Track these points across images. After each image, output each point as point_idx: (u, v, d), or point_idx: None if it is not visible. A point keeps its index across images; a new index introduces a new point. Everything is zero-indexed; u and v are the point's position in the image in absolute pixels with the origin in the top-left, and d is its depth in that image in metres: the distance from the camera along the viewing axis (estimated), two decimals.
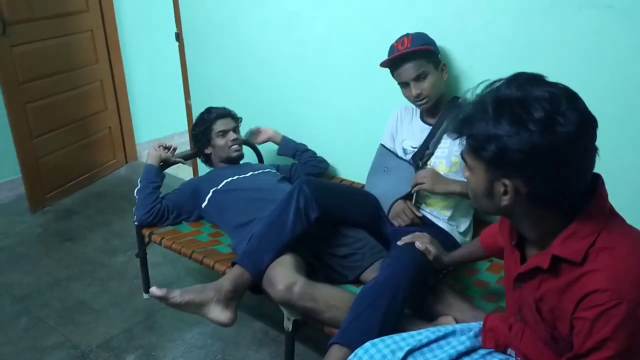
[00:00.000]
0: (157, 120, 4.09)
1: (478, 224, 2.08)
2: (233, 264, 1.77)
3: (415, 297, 1.61)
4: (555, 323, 1.07)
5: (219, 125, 2.42)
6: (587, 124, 0.97)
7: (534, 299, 1.11)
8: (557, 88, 0.97)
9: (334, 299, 1.64)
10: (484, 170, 1.04)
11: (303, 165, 2.49)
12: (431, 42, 1.92)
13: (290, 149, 2.52)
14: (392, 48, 1.93)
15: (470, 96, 1.05)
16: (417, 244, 1.66)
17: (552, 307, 1.07)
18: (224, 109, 2.48)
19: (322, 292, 1.64)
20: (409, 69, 1.87)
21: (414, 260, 1.60)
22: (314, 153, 2.52)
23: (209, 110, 2.49)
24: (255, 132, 2.59)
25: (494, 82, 1.03)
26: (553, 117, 0.93)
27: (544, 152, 0.94)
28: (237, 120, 2.51)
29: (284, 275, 1.65)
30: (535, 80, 0.99)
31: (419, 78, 1.88)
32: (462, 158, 1.09)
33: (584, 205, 1.02)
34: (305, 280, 1.65)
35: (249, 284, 1.73)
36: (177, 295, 1.61)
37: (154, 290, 1.59)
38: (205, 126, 2.43)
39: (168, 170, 2.47)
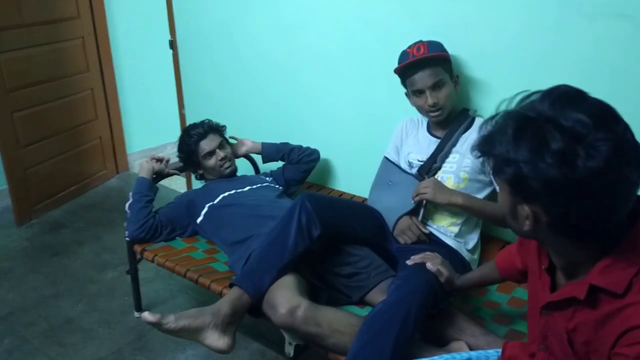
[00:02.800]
0: (149, 129, 4.00)
1: (486, 241, 2.01)
2: (231, 285, 1.67)
3: (425, 320, 1.52)
4: (590, 356, 0.99)
5: (203, 147, 2.29)
6: (622, 158, 0.85)
7: (566, 330, 1.02)
8: (593, 111, 0.87)
9: (339, 324, 1.54)
10: (507, 192, 0.97)
11: (296, 165, 2.38)
12: (446, 51, 1.85)
13: (274, 153, 2.40)
14: (405, 54, 1.84)
15: (505, 107, 0.97)
16: (429, 265, 1.57)
17: (586, 339, 0.98)
18: (204, 125, 2.34)
19: (326, 316, 1.55)
20: (426, 77, 1.79)
21: (425, 283, 1.51)
22: (300, 147, 2.40)
23: (188, 132, 2.34)
24: (235, 144, 2.47)
25: (532, 93, 0.95)
26: (574, 149, 0.84)
27: (561, 187, 0.86)
28: (221, 132, 2.37)
29: (286, 298, 1.55)
30: (573, 98, 0.90)
31: (435, 87, 1.80)
32: (491, 174, 1.02)
33: (625, 232, 0.93)
34: (309, 304, 1.55)
35: (248, 307, 1.63)
36: (171, 321, 1.51)
37: (146, 315, 1.49)
38: (189, 150, 2.31)
39: (160, 182, 2.38)
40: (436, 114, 1.85)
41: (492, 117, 0.98)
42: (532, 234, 0.99)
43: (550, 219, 0.92)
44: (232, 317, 1.59)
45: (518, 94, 0.97)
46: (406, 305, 1.46)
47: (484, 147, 0.97)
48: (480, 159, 0.99)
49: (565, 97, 0.90)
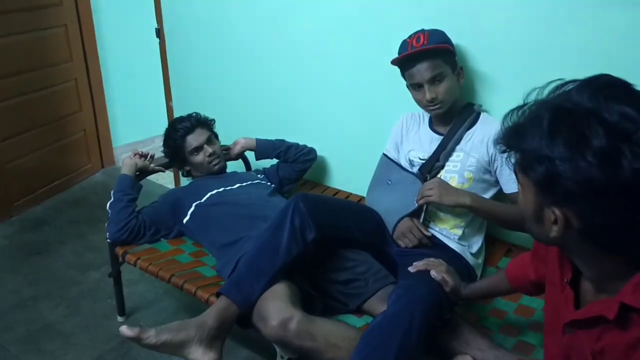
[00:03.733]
0: (136, 122, 3.85)
1: (491, 244, 1.90)
2: (218, 295, 1.55)
3: (429, 334, 1.41)
4: None
5: (190, 141, 2.16)
6: None
7: (592, 351, 0.91)
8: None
9: (335, 338, 1.43)
10: (533, 192, 0.86)
11: (291, 165, 2.27)
12: (449, 41, 1.73)
13: (270, 150, 2.28)
14: (405, 44, 1.73)
15: (534, 97, 0.86)
16: (433, 273, 1.45)
17: None
18: (191, 118, 2.21)
19: (322, 329, 1.43)
20: (424, 70, 1.67)
21: (429, 293, 1.39)
22: (297, 145, 2.28)
23: (173, 126, 2.21)
24: (227, 150, 2.33)
25: (567, 82, 0.84)
26: (618, 147, 0.74)
27: (602, 189, 0.76)
28: (209, 126, 2.25)
29: (278, 309, 1.43)
30: (617, 89, 0.79)
31: (434, 80, 1.68)
32: (514, 171, 0.91)
33: None
34: (303, 315, 1.43)
35: (236, 318, 1.51)
36: (151, 336, 1.39)
37: (124, 330, 1.37)
38: (175, 146, 2.18)
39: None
40: (434, 107, 1.73)
41: (519, 107, 0.88)
42: (559, 242, 0.88)
43: (584, 225, 0.81)
44: (219, 330, 1.47)
45: (550, 82, 0.87)
46: (408, 317, 1.34)
47: (511, 139, 0.86)
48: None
49: (609, 88, 0.79)
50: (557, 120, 0.79)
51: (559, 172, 0.78)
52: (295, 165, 2.26)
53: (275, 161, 2.32)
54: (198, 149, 2.17)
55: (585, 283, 0.97)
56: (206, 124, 2.24)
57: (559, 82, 0.85)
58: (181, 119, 2.24)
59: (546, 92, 0.85)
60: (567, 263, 0.99)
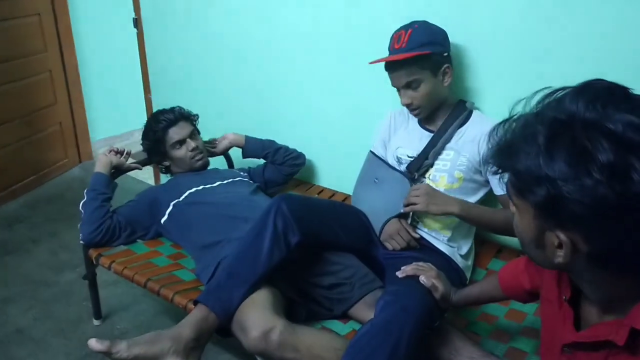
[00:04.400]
0: (114, 115, 3.76)
1: (479, 244, 1.85)
2: (195, 303, 1.47)
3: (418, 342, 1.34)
4: None
5: (172, 135, 2.08)
6: None
7: None
8: None
9: (320, 348, 1.35)
10: (532, 215, 0.78)
11: (279, 167, 2.20)
12: (434, 39, 1.63)
13: (258, 149, 2.21)
14: (391, 40, 1.65)
15: (521, 109, 0.78)
16: (422, 279, 1.38)
17: None
18: (174, 111, 2.12)
19: (305, 339, 1.36)
20: (398, 76, 1.62)
21: (419, 300, 1.33)
22: (287, 148, 2.22)
23: (156, 117, 2.12)
24: (213, 143, 2.26)
25: (556, 90, 0.76)
26: (627, 160, 0.67)
27: (612, 207, 0.68)
28: (192, 120, 2.16)
29: (259, 319, 1.36)
30: (614, 96, 0.72)
31: (409, 86, 1.62)
32: (507, 191, 0.83)
33: None
34: (286, 324, 1.36)
35: (215, 328, 1.43)
36: (122, 350, 1.30)
37: (93, 344, 1.29)
38: (156, 138, 2.09)
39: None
40: (414, 113, 1.69)
41: (506, 121, 0.80)
42: (564, 267, 0.81)
43: (592, 248, 0.74)
44: (197, 341, 1.39)
45: (538, 91, 0.78)
46: (397, 326, 1.27)
47: (503, 160, 0.78)
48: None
49: (605, 94, 0.72)
50: (554, 134, 0.72)
51: (562, 194, 0.70)
52: (283, 169, 2.19)
53: (262, 161, 2.25)
54: (180, 142, 2.08)
55: (587, 302, 0.90)
56: (189, 118, 2.16)
57: (547, 91, 0.77)
58: (164, 110, 2.15)
59: (534, 102, 0.77)
60: (565, 279, 0.92)
